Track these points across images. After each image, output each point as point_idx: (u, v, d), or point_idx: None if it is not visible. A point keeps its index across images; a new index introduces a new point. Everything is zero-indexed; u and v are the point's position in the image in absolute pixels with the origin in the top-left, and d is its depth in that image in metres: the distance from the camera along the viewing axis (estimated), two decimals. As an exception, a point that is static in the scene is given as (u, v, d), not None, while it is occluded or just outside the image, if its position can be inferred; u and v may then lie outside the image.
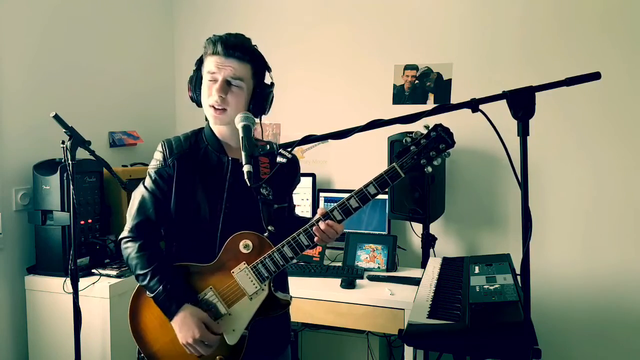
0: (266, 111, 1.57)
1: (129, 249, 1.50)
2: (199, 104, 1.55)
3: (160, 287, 1.45)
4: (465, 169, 2.86)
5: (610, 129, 2.65)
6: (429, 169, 1.41)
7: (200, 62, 1.55)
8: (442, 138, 1.40)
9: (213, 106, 1.48)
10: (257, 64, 1.52)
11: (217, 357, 1.48)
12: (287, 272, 1.67)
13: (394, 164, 1.42)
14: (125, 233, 1.52)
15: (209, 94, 1.49)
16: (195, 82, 1.54)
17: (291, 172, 1.65)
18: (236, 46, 1.46)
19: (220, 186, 1.52)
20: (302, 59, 3.11)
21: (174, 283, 1.46)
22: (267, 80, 1.57)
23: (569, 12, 2.68)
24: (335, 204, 1.46)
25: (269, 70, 1.56)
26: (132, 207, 1.53)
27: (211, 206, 1.50)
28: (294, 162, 1.66)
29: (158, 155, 1.54)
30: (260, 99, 1.53)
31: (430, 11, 2.89)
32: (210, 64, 1.48)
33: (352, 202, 1.43)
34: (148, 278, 1.46)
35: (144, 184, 1.54)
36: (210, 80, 1.48)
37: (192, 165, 1.52)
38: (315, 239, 1.46)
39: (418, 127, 1.41)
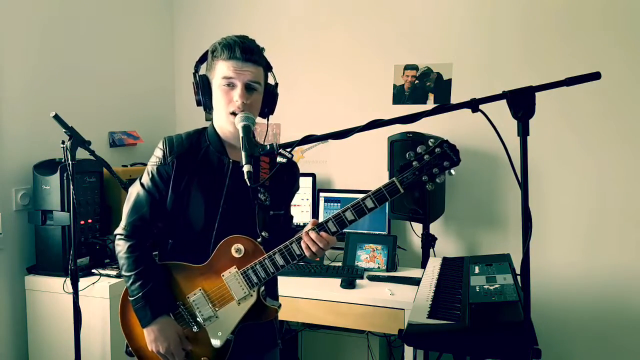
0: (274, 111, 1.58)
1: (119, 247, 1.51)
2: (207, 108, 1.52)
3: (140, 294, 1.46)
4: (465, 169, 2.85)
5: (610, 128, 2.65)
6: (431, 185, 1.36)
7: (199, 64, 1.53)
8: (446, 155, 1.35)
9: (234, 112, 1.44)
10: (266, 65, 1.52)
11: (202, 359, 1.48)
12: (277, 278, 1.65)
13: (394, 178, 1.38)
14: (119, 230, 1.52)
15: (228, 101, 1.45)
16: (203, 87, 1.49)
17: (289, 178, 1.62)
18: (252, 50, 1.45)
19: (219, 187, 1.50)
20: (302, 59, 3.11)
21: (153, 292, 1.46)
22: (270, 80, 1.57)
23: (569, 12, 2.68)
24: (330, 216, 1.42)
25: (271, 69, 1.56)
26: (128, 204, 1.52)
27: (208, 207, 1.49)
28: (293, 167, 1.63)
29: (158, 153, 1.52)
30: (272, 100, 1.54)
31: (430, 11, 2.89)
32: (226, 68, 1.44)
33: (347, 214, 1.40)
34: (131, 281, 1.47)
35: (140, 180, 1.52)
36: (227, 86, 1.45)
37: (191, 164, 1.50)
38: (306, 251, 1.41)
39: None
